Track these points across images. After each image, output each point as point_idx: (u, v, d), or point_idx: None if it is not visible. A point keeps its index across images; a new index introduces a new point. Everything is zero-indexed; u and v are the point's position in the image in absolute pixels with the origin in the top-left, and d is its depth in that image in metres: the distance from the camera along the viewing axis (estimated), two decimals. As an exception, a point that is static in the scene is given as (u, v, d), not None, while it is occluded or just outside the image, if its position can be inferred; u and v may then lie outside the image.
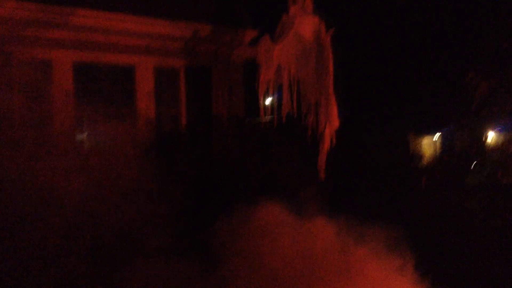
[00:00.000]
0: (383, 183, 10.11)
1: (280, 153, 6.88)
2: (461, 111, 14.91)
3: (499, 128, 15.58)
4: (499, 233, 7.52)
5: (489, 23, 13.30)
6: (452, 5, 14.21)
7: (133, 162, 6.99)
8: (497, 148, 14.78)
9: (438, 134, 18.41)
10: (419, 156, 16.42)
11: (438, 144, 18.55)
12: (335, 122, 6.69)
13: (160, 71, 8.92)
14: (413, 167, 14.09)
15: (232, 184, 6.58)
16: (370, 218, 4.76)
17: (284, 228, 4.85)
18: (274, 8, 11.57)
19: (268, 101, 8.12)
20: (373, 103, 14.48)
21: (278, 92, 7.01)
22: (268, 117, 7.80)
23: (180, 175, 6.91)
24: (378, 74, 14.66)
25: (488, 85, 13.00)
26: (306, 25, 6.57)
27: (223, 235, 4.87)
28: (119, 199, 5.67)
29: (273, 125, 7.40)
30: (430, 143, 18.43)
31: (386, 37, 14.49)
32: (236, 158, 6.80)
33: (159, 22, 8.40)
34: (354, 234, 4.78)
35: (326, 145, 6.66)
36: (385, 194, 9.11)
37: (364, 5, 13.87)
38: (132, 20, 8.07)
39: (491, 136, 16.16)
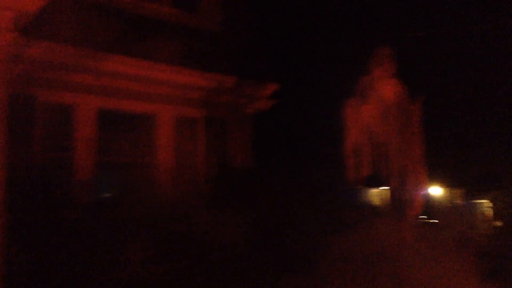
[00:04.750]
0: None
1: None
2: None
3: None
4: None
5: None
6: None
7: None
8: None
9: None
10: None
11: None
12: (424, 185, 6.63)
13: (180, 120, 8.78)
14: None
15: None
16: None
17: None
18: (295, 63, 11.86)
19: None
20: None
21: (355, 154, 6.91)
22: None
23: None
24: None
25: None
26: (388, 87, 6.63)
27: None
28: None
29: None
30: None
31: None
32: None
33: (185, 72, 8.35)
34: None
35: (414, 211, 6.55)
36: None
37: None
38: (159, 69, 8.00)
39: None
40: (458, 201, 18.14)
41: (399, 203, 6.49)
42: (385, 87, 6.58)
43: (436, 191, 18.46)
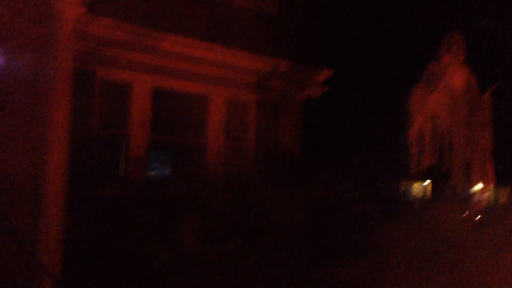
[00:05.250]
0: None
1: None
2: None
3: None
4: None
5: None
6: None
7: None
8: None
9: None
10: None
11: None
12: (491, 180, 6.40)
13: (232, 103, 8.77)
14: None
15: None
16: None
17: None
18: (351, 49, 11.59)
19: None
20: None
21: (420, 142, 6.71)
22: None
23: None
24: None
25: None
26: (457, 75, 6.39)
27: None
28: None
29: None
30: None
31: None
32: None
33: (239, 54, 8.29)
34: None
35: (481, 203, 6.34)
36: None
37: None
38: (215, 50, 7.97)
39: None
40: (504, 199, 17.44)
41: (461, 196, 6.27)
42: (453, 75, 6.30)
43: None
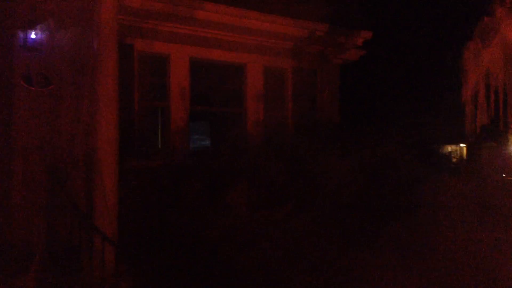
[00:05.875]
0: None
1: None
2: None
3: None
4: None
5: None
6: None
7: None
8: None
9: None
10: None
11: None
12: None
13: (269, 70, 8.68)
14: None
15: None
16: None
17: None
18: (389, 9, 11.22)
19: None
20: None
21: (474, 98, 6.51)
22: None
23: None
24: None
25: None
26: None
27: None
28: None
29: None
30: None
31: None
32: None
33: (276, 20, 8.14)
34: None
35: None
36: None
37: None
38: (252, 16, 7.84)
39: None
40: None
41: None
42: (508, 29, 5.99)
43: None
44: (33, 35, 4.97)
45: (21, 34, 4.97)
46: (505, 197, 5.71)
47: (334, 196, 5.33)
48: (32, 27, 4.96)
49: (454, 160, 10.08)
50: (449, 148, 10.20)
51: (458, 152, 11.11)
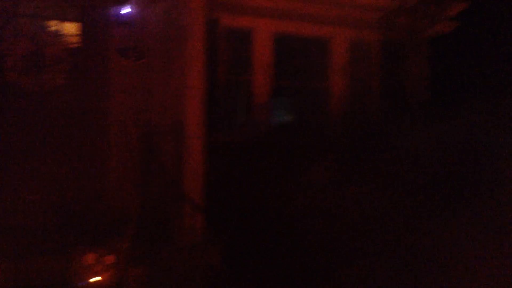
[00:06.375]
0: None
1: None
2: None
3: None
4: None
5: None
6: None
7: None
8: None
9: None
10: None
11: None
12: None
13: (355, 44, 8.41)
14: None
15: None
16: None
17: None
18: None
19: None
20: None
21: None
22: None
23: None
24: None
25: None
26: None
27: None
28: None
29: None
30: None
31: None
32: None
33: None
34: None
35: None
36: None
37: None
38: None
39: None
40: None
41: None
42: None
43: None
44: (126, 10, 5.18)
45: (115, 10, 5.20)
46: None
47: (424, 172, 5.09)
48: (125, 2, 5.15)
49: None
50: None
51: None
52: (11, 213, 4.85)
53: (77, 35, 5.19)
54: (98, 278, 3.91)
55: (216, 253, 3.69)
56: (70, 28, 5.21)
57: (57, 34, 5.04)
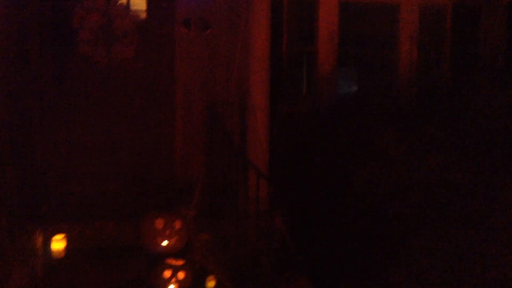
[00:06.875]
0: None
1: None
2: None
3: None
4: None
5: None
6: None
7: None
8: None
9: None
10: None
11: None
12: None
13: (425, 9, 7.98)
14: None
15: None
16: None
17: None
18: None
19: None
20: None
21: None
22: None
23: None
24: None
25: None
26: None
27: None
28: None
29: None
30: None
31: None
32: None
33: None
34: None
35: None
36: None
37: None
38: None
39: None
40: None
41: None
42: None
43: None
44: (191, -19, 5.18)
45: (181, -19, 5.22)
46: None
47: (504, 141, 4.79)
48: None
49: None
50: None
51: None
52: (85, 180, 5.13)
53: (144, 8, 5.31)
54: (167, 241, 4.06)
55: (281, 222, 3.72)
56: (137, 1, 5.33)
57: (125, 8, 5.17)
